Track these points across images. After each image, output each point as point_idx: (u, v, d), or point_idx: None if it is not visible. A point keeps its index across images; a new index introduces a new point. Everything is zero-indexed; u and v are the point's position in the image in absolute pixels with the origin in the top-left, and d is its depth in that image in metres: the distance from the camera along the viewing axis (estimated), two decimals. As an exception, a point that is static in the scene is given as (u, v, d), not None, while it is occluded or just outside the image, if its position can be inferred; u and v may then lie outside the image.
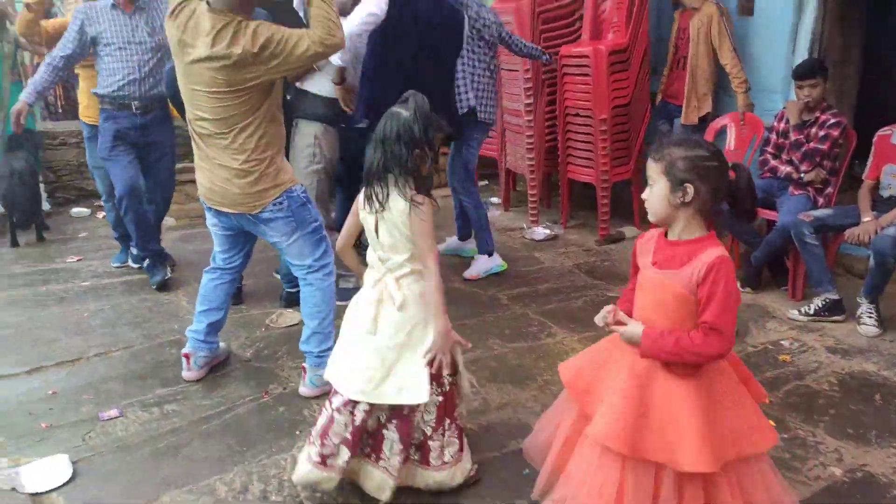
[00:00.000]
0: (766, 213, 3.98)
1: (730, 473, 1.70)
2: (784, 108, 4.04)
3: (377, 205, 2.04)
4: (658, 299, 1.76)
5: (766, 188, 3.99)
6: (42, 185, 5.64)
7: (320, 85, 3.56)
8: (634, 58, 4.86)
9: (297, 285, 3.70)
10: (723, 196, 1.74)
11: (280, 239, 2.78)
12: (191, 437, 2.60)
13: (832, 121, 3.78)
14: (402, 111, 2.04)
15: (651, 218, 1.80)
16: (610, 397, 1.77)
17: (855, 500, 2.25)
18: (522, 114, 5.16)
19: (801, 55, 4.34)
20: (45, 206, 5.66)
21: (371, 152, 2.07)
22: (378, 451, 2.14)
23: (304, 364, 2.91)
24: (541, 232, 5.18)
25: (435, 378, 2.10)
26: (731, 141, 4.50)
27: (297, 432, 2.61)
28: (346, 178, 4.03)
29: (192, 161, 2.77)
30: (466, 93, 4.05)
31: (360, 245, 2.83)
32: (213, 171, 2.67)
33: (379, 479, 2.14)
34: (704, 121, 4.67)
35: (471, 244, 4.56)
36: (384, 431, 2.12)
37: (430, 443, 2.16)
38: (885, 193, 3.66)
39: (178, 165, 4.61)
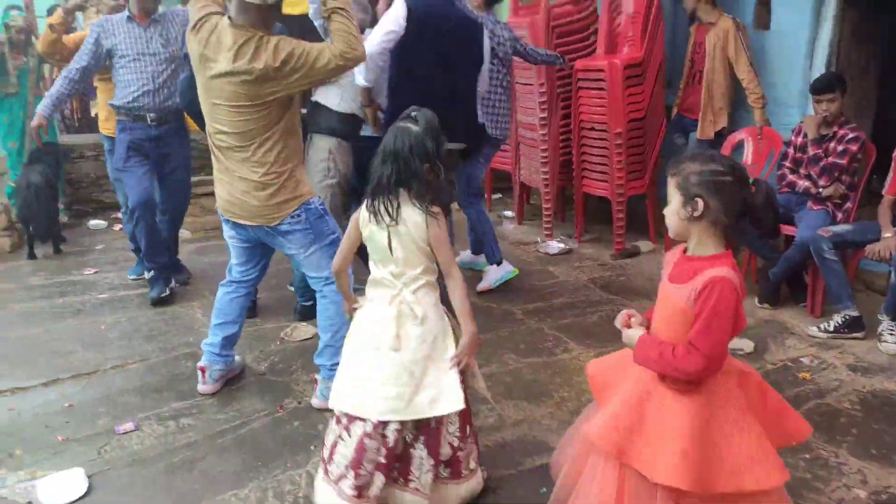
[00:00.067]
0: (784, 229, 3.94)
1: None
2: (801, 122, 4.01)
3: (387, 219, 2.02)
4: (667, 313, 1.77)
5: (785, 203, 3.95)
6: (61, 198, 5.71)
7: (335, 99, 3.58)
8: (650, 72, 4.85)
9: (312, 298, 3.71)
10: (737, 212, 1.70)
11: (298, 251, 2.79)
12: (206, 452, 2.60)
13: (851, 135, 3.75)
14: (412, 126, 2.03)
15: (670, 233, 1.81)
16: (613, 400, 1.80)
17: (880, 523, 2.21)
18: (537, 127, 5.16)
19: (819, 69, 4.32)
20: (64, 218, 5.73)
21: (379, 167, 2.04)
22: (406, 474, 2.11)
23: (315, 376, 2.91)
24: (555, 246, 5.16)
25: None
26: (748, 155, 4.47)
27: (312, 447, 2.60)
28: (361, 192, 4.04)
29: (207, 174, 2.80)
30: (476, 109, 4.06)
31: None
32: (233, 183, 2.69)
33: (410, 501, 2.11)
34: (720, 135, 4.64)
35: (484, 257, 4.56)
36: (412, 450, 2.10)
37: (458, 454, 2.16)
38: (906, 209, 3.62)
39: (194, 178, 4.65)
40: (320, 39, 3.14)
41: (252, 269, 3.01)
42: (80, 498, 2.33)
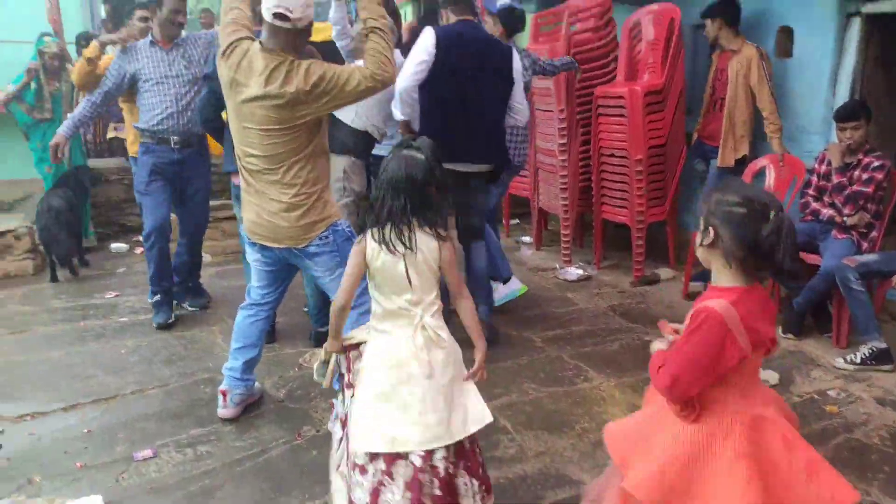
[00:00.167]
0: (808, 258, 3.89)
1: None
2: (825, 149, 3.97)
3: (402, 248, 2.01)
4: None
5: (809, 231, 3.91)
6: (90, 221, 5.79)
7: (349, 114, 3.59)
8: (670, 98, 4.85)
9: (326, 324, 3.71)
10: (748, 246, 1.63)
11: (323, 274, 2.78)
12: (224, 480, 2.58)
13: (876, 163, 3.71)
14: (417, 154, 2.04)
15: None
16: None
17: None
18: (556, 154, 5.16)
19: (842, 97, 4.29)
20: (92, 239, 5.80)
21: (390, 197, 2.00)
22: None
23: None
24: (574, 272, 5.13)
25: None
26: (770, 182, 4.43)
27: (331, 478, 2.57)
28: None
29: (228, 198, 2.82)
30: None
31: None
32: (262, 205, 2.69)
33: None
34: (742, 163, 4.61)
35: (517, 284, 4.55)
36: (457, 480, 2.05)
37: (486, 470, 2.17)
38: (934, 238, 3.56)
39: (215, 202, 4.68)
40: (342, 63, 3.17)
41: (272, 292, 3.01)
42: (97, 526, 2.32)
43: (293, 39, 2.57)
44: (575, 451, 2.76)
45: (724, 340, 1.61)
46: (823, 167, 3.95)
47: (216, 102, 3.58)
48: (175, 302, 4.33)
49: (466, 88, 3.51)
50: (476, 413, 2.08)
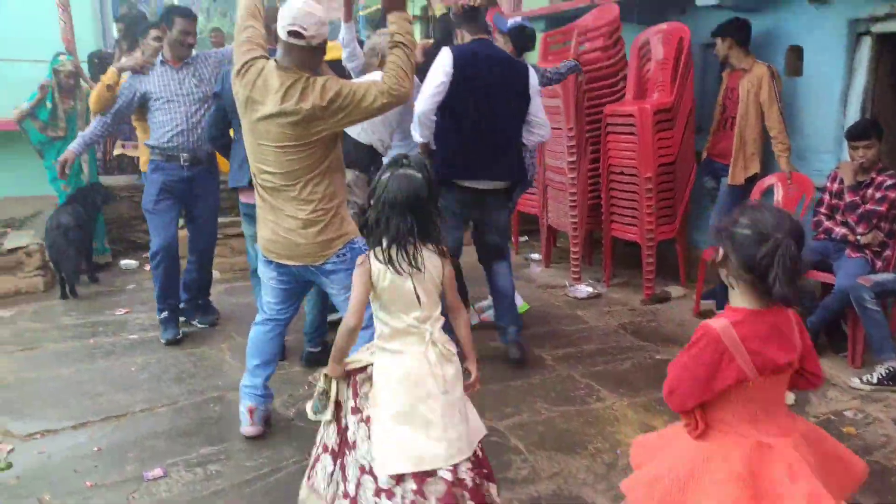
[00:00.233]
0: (822, 276, 3.86)
1: None
2: (837, 168, 3.96)
3: (409, 267, 2.00)
4: None
5: (822, 250, 3.88)
6: (104, 238, 5.81)
7: (356, 128, 3.58)
8: (680, 117, 4.85)
9: (320, 345, 3.71)
10: (747, 267, 1.63)
11: (339, 292, 2.76)
12: (234, 500, 2.56)
13: (889, 182, 3.70)
14: (414, 172, 2.03)
15: None
16: None
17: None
18: (566, 171, 5.16)
19: (853, 115, 4.27)
20: (107, 256, 5.82)
21: (395, 217, 1.98)
22: None
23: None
24: (583, 290, 5.10)
25: None
26: (778, 200, 4.41)
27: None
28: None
29: (236, 215, 2.81)
30: None
31: None
32: (279, 222, 2.69)
33: None
34: (752, 181, 4.59)
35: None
36: (482, 490, 2.07)
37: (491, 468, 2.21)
38: (949, 257, 3.53)
39: (223, 219, 4.68)
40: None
41: (287, 308, 2.99)
42: (107, 547, 2.30)
43: (308, 57, 2.59)
44: (589, 473, 2.73)
45: (719, 358, 1.64)
46: (835, 185, 3.93)
47: (224, 119, 3.61)
48: (184, 319, 4.33)
49: (482, 106, 3.52)
50: (477, 423, 2.16)
